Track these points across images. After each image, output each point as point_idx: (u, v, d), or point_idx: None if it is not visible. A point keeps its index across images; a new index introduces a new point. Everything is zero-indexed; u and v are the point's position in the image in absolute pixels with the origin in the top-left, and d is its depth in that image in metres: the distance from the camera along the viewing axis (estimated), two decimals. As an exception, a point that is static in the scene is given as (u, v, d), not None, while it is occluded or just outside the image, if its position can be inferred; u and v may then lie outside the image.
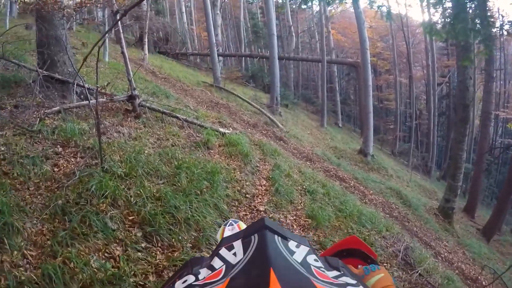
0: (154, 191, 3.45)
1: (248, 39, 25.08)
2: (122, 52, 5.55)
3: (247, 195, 4.62)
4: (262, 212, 4.37)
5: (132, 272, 2.48)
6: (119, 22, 6.03)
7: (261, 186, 5.09)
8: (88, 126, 4.19)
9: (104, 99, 4.98)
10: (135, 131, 4.78)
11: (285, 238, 0.63)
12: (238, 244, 0.63)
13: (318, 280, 0.52)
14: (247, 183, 4.90)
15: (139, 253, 2.71)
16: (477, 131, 19.90)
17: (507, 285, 6.77)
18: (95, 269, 2.35)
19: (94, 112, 3.46)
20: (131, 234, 2.83)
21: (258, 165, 5.77)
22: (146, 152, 4.24)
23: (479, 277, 7.09)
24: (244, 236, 0.65)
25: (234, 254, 0.60)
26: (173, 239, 2.98)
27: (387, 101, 26.29)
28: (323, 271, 0.58)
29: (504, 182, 14.04)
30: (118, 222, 2.88)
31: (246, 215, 4.22)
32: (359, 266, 0.91)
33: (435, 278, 5.01)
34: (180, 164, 4.21)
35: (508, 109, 23.17)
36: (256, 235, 0.62)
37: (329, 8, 21.26)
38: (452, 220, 10.53)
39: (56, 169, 3.28)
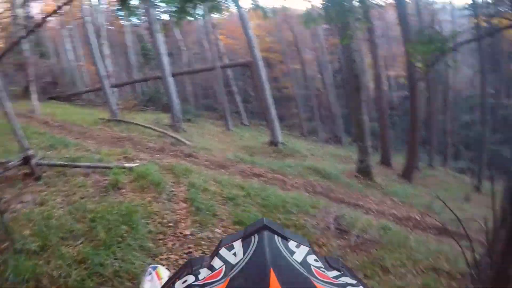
0: (75, 254, 3.40)
1: (139, 63, 24.61)
2: (6, 112, 5.35)
3: (169, 224, 4.67)
4: (189, 236, 4.48)
5: None
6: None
7: (181, 209, 5.19)
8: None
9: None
10: (39, 195, 4.64)
11: (285, 238, 0.63)
12: (238, 244, 0.62)
13: (318, 280, 0.53)
14: (166, 212, 4.97)
15: None
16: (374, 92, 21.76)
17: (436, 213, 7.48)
18: None
19: None
20: None
21: (173, 189, 5.84)
22: (56, 214, 4.14)
23: (411, 214, 7.86)
24: (244, 236, 0.64)
25: (234, 254, 0.60)
26: None
27: (285, 88, 27.57)
28: (323, 271, 0.58)
29: (408, 126, 15.51)
30: None
31: (174, 244, 4.28)
32: None
33: (372, 233, 5.34)
34: (94, 216, 4.17)
35: (396, 68, 25.88)
36: (256, 235, 0.61)
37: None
38: (372, 176, 11.38)
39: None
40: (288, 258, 0.57)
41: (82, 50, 25.27)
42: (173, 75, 17.23)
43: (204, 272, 0.61)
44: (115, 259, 3.45)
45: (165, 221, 4.73)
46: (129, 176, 5.84)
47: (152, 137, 11.03)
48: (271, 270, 0.50)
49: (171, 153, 9.18)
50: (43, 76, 17.96)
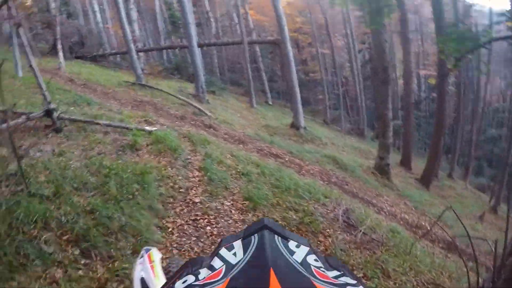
0: (85, 205, 3.43)
1: (166, 30, 24.50)
2: (31, 66, 5.35)
3: (180, 190, 4.70)
4: (198, 204, 4.50)
5: (75, 292, 2.50)
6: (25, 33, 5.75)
7: (194, 177, 5.19)
8: (7, 152, 4.02)
9: (20, 120, 4.82)
10: (58, 146, 4.67)
11: (285, 238, 0.63)
12: (238, 244, 0.63)
13: (318, 280, 0.53)
14: (180, 177, 4.99)
15: (80, 271, 2.74)
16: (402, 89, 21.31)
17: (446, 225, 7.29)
18: (39, 298, 2.34)
19: (8, 137, 3.33)
20: (68, 254, 2.84)
21: (189, 157, 5.85)
22: (72, 166, 4.15)
23: (422, 223, 7.71)
24: (244, 236, 0.65)
25: (234, 254, 0.60)
26: (112, 250, 3.03)
27: (313, 73, 27.09)
28: (323, 271, 0.58)
29: (433, 130, 15.12)
30: (53, 244, 2.86)
31: (182, 209, 4.32)
32: None
33: (380, 233, 5.24)
34: (109, 172, 4.19)
35: (427, 67, 25.10)
36: (256, 235, 0.62)
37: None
38: (390, 175, 11.25)
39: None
40: (288, 258, 0.57)
41: (110, 12, 25.39)
42: (200, 46, 17.15)
43: (204, 272, 0.60)
44: (122, 214, 3.50)
45: (176, 186, 4.77)
46: (147, 139, 5.86)
47: (175, 104, 11.00)
48: (271, 270, 0.50)
49: (192, 122, 9.15)
50: (70, 35, 17.91)
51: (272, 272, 0.49)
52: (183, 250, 3.61)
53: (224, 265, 0.58)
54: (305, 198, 5.48)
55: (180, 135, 6.86)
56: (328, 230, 4.89)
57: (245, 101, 18.39)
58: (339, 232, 4.93)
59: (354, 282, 0.57)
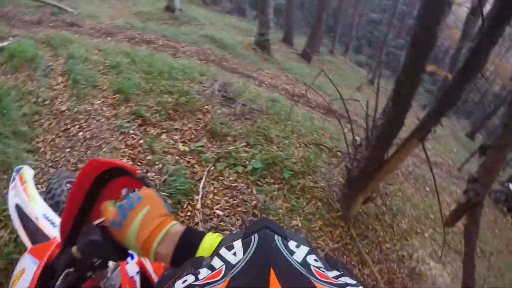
0: None
1: None
2: None
3: (45, 103, 4.32)
4: (65, 112, 4.24)
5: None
6: None
7: (58, 84, 4.77)
8: None
9: None
10: None
11: (285, 238, 0.63)
12: (238, 244, 0.62)
13: (318, 280, 0.52)
14: (42, 90, 4.52)
15: None
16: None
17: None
18: None
19: None
20: None
21: (50, 63, 5.25)
22: None
23: (303, 92, 8.04)
24: (244, 235, 0.64)
25: (234, 254, 0.60)
26: None
27: None
28: (323, 271, 0.57)
29: (316, 7, 15.50)
30: None
31: (50, 123, 4.05)
32: (123, 191, 0.86)
33: (260, 104, 5.50)
34: None
35: None
36: (256, 235, 0.62)
37: None
38: (270, 51, 11.60)
39: None
40: (288, 258, 0.57)
41: None
42: None
43: (204, 272, 0.59)
44: None
45: (40, 100, 4.35)
46: (0, 58, 5.07)
47: (30, 9, 9.34)
48: (271, 270, 0.49)
49: (51, 24, 8.02)
50: None
51: (272, 272, 0.49)
52: (59, 166, 3.49)
53: (224, 265, 0.58)
54: (179, 79, 5.47)
55: (37, 42, 6.02)
56: (206, 106, 5.01)
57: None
58: (217, 107, 5.06)
59: (354, 282, 0.57)
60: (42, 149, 3.66)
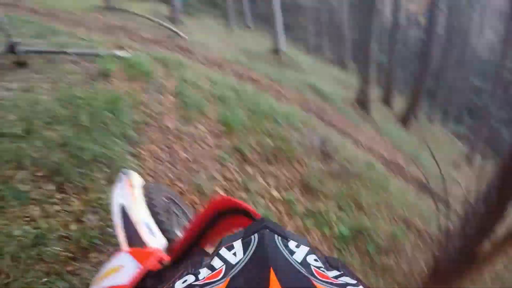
0: (57, 138, 3.32)
1: None
2: None
3: (154, 115, 4.57)
4: (172, 129, 4.43)
5: (54, 227, 2.51)
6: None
7: (168, 102, 5.05)
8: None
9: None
10: (25, 82, 4.40)
11: (285, 238, 0.63)
12: (238, 244, 0.62)
13: (318, 280, 0.52)
14: (153, 103, 4.83)
15: (56, 206, 2.70)
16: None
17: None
18: (19, 237, 2.35)
19: None
20: (44, 190, 2.79)
21: (163, 81, 5.64)
22: (42, 100, 3.96)
23: (398, 160, 7.87)
24: (244, 235, 0.64)
25: (234, 254, 0.60)
26: (86, 181, 2.96)
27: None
28: (323, 271, 0.57)
29: (417, 71, 14.97)
30: (29, 182, 2.80)
31: (156, 135, 4.23)
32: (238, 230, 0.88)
33: (356, 166, 5.35)
34: (79, 102, 4.02)
35: (418, 2, 23.99)
36: (256, 235, 0.62)
37: None
38: (370, 110, 11.28)
39: None
40: (288, 258, 0.57)
41: None
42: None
43: (204, 272, 0.59)
44: (95, 144, 3.39)
45: (149, 111, 4.61)
46: (119, 65, 5.57)
47: (148, 27, 10.43)
48: (271, 270, 0.49)
49: (166, 46, 8.76)
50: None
51: (272, 272, 0.49)
52: (157, 177, 3.60)
53: (224, 265, 0.57)
54: (282, 124, 5.45)
55: (154, 59, 6.54)
56: (304, 158, 4.92)
57: (222, 23, 17.53)
58: (314, 161, 4.97)
59: (354, 282, 0.57)
60: (144, 157, 3.82)
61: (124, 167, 1.88)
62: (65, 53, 5.39)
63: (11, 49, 4.80)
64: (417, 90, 14.54)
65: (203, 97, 5.52)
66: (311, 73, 13.28)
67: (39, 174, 2.93)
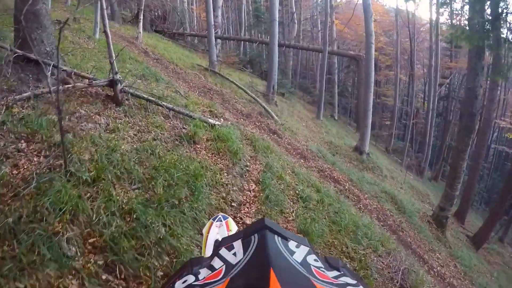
0: (124, 201, 2.90)
1: (248, 23, 24.30)
2: (105, 32, 4.86)
3: (232, 204, 4.10)
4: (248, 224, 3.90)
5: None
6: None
7: (250, 191, 4.61)
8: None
9: (81, 84, 4.43)
10: (113, 121, 4.20)
11: (285, 238, 0.63)
12: (238, 244, 0.62)
13: (318, 280, 0.52)
14: (234, 188, 4.40)
15: None
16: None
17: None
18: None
19: (56, 101, 2.72)
20: (90, 263, 2.29)
21: (248, 164, 5.30)
22: (122, 147, 3.66)
23: None
24: (244, 236, 0.64)
25: (234, 254, 0.60)
26: (140, 268, 2.46)
27: (385, 96, 25.79)
28: (323, 271, 0.58)
29: (500, 192, 13.90)
30: (77, 245, 2.34)
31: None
32: None
33: None
34: (159, 165, 3.66)
35: (507, 118, 22.89)
36: (256, 235, 0.61)
37: (335, -2, 20.75)
38: (446, 229, 10.33)
39: (15, 172, 2.67)
40: (288, 258, 0.57)
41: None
42: (280, 45, 16.64)
43: (204, 272, 0.60)
44: (163, 224, 2.92)
45: (229, 198, 4.17)
46: (209, 133, 5.35)
47: (242, 99, 10.53)
48: (271, 270, 0.49)
49: (257, 123, 8.66)
50: (154, 8, 18.37)
51: (272, 272, 0.48)
52: None
53: (224, 265, 0.58)
54: (363, 244, 4.83)
55: (243, 136, 6.33)
56: None
57: (311, 110, 17.66)
58: None
59: (354, 282, 0.56)
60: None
61: (223, 214, 1.92)
62: (159, 105, 5.22)
63: (111, 84, 4.67)
64: (496, 211, 13.32)
65: (285, 192, 5.05)
66: (389, 179, 12.74)
67: (91, 240, 2.47)
